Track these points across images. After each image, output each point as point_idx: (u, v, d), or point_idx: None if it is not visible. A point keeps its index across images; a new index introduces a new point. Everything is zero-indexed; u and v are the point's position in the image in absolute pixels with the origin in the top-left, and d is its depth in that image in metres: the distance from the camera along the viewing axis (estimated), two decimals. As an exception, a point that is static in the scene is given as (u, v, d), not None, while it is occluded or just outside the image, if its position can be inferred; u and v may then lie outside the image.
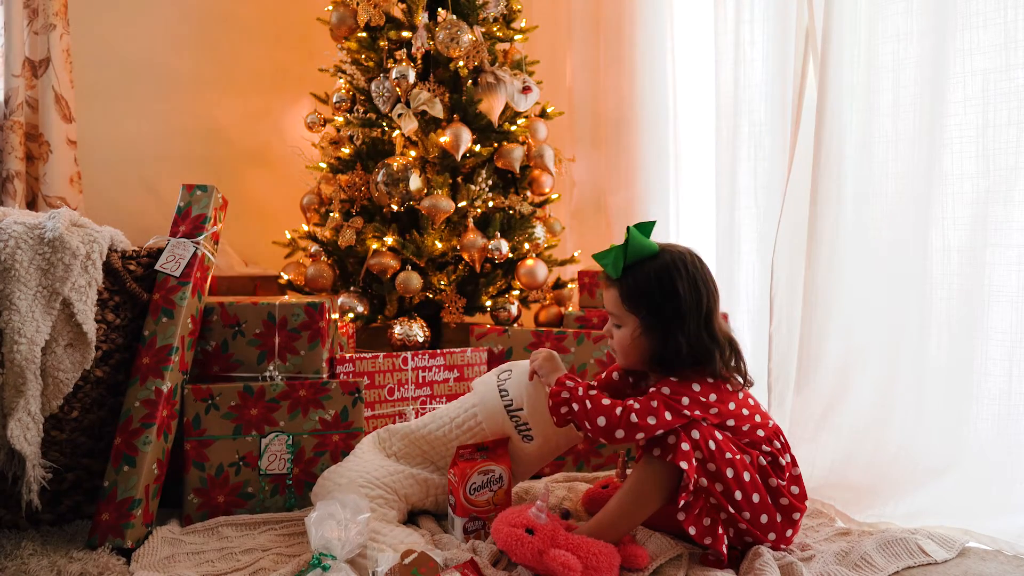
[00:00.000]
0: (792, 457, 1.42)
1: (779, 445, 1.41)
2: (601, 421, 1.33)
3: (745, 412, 1.41)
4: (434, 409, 1.88)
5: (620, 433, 1.32)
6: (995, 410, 1.54)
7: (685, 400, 1.34)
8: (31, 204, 2.29)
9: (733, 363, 1.40)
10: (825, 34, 1.76)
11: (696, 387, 1.35)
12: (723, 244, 2.12)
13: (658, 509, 1.35)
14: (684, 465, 1.28)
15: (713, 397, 1.36)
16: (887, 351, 1.70)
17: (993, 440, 1.54)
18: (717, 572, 1.31)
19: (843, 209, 1.76)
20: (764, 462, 1.36)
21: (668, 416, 1.31)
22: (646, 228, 1.41)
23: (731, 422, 1.39)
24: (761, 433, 1.40)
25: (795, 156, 1.89)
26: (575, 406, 1.37)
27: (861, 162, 1.74)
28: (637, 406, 1.32)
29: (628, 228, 1.39)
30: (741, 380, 1.41)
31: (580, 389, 1.38)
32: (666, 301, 1.36)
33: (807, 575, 1.30)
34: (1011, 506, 1.49)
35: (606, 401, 1.35)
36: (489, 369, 1.96)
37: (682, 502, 1.29)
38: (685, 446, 1.30)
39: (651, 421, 1.31)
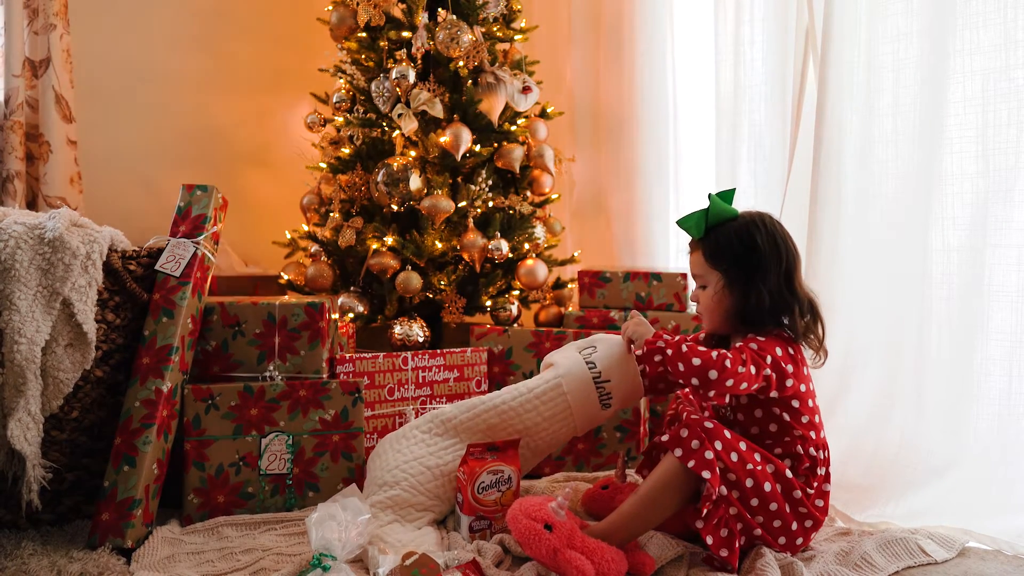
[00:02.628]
0: (828, 472, 1.43)
1: (822, 456, 1.42)
2: (696, 361, 1.34)
3: (811, 404, 1.43)
4: (434, 409, 1.88)
5: (714, 374, 1.32)
6: (995, 410, 1.54)
7: (768, 359, 1.37)
8: (31, 204, 2.29)
9: (812, 323, 1.45)
10: (825, 34, 1.76)
11: (778, 351, 1.39)
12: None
13: None
14: (707, 475, 1.28)
15: (790, 368, 1.39)
16: (887, 351, 1.70)
17: (993, 440, 1.54)
18: (718, 573, 1.31)
19: (843, 209, 1.76)
20: (791, 474, 1.37)
21: (753, 370, 1.34)
22: (727, 195, 1.49)
23: (796, 403, 1.41)
24: (813, 435, 1.42)
25: (795, 156, 1.89)
26: (669, 352, 1.38)
27: (861, 162, 1.74)
28: (730, 355, 1.34)
29: (709, 194, 1.47)
30: (818, 345, 1.46)
31: (676, 338, 1.41)
32: (747, 254, 1.43)
33: (808, 575, 1.30)
34: (1011, 506, 1.49)
35: (702, 348, 1.37)
36: (489, 369, 1.96)
37: (704, 511, 1.29)
38: (708, 454, 1.30)
39: (741, 370, 1.33)
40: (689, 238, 1.51)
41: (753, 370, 1.34)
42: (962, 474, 1.56)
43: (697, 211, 1.47)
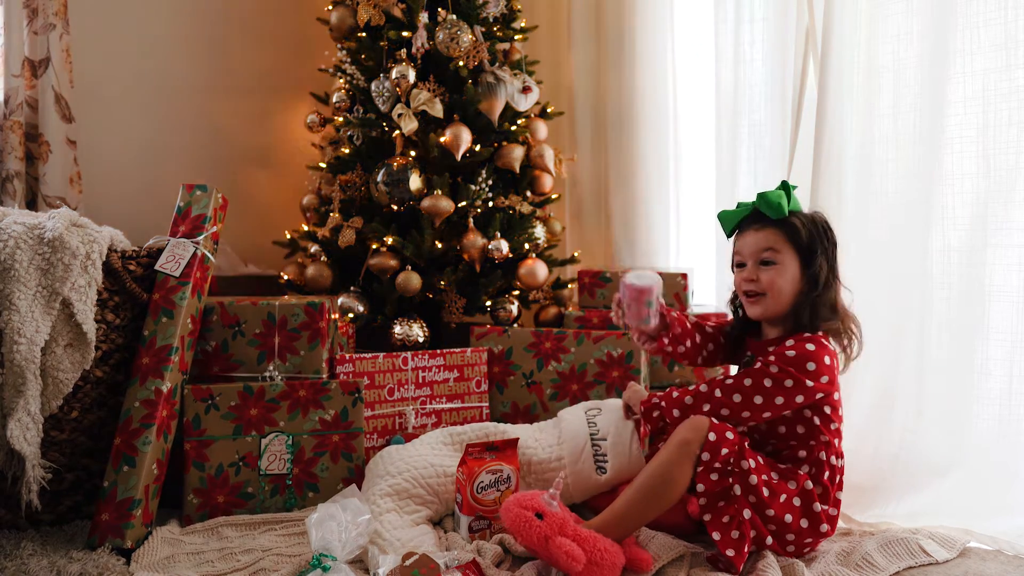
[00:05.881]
0: (841, 480, 1.43)
1: (840, 465, 1.43)
2: (706, 407, 1.37)
3: (840, 412, 1.43)
4: (434, 410, 1.89)
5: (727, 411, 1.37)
6: (995, 410, 1.54)
7: (810, 366, 1.34)
8: (31, 204, 2.29)
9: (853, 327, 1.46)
10: (825, 34, 1.76)
11: (827, 344, 1.38)
12: (723, 244, 2.12)
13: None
14: (713, 437, 1.31)
15: (833, 376, 1.39)
16: (888, 351, 1.69)
17: (994, 440, 1.54)
18: (719, 573, 1.31)
19: (843, 209, 1.76)
20: (811, 484, 1.37)
21: (779, 400, 1.34)
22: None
23: (827, 409, 1.40)
24: (836, 443, 1.42)
25: (795, 156, 1.89)
26: (663, 403, 1.43)
27: (861, 162, 1.74)
28: (748, 382, 1.35)
29: (784, 182, 1.46)
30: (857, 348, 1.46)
31: (675, 394, 1.43)
32: (825, 244, 1.43)
33: (809, 575, 1.30)
34: (1011, 506, 1.49)
35: (729, 379, 1.38)
36: (489, 369, 1.96)
37: (700, 485, 1.30)
38: (712, 436, 1.32)
39: (758, 401, 1.35)
40: (730, 219, 1.50)
41: (780, 400, 1.35)
42: (963, 474, 1.56)
43: (777, 191, 1.44)
